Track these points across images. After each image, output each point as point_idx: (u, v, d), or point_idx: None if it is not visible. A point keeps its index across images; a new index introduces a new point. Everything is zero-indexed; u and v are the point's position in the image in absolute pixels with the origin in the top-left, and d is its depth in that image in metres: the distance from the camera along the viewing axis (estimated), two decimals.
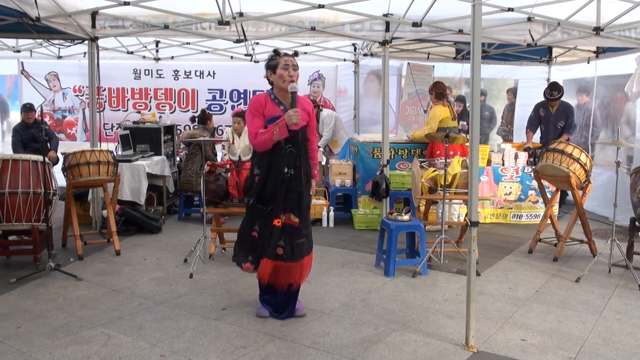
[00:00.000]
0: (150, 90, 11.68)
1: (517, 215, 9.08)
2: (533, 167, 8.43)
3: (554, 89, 9.45)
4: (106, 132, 11.45)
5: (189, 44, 10.43)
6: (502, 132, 12.07)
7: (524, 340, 4.69)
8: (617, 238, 6.44)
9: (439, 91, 8.51)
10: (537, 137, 10.03)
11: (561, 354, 4.44)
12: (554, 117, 9.48)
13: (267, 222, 4.93)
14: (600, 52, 9.88)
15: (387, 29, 7.66)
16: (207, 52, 10.89)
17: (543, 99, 9.64)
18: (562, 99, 9.52)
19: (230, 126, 9.50)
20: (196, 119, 9.89)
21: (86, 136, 11.54)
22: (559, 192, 7.74)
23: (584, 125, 10.42)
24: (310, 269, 5.18)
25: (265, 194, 4.89)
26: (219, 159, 9.48)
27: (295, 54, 4.98)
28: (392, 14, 7.44)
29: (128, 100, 11.70)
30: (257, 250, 5.01)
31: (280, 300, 5.12)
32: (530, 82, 11.41)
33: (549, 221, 7.41)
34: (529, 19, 7.27)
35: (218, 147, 10.06)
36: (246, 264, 5.07)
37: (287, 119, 4.67)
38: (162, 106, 11.57)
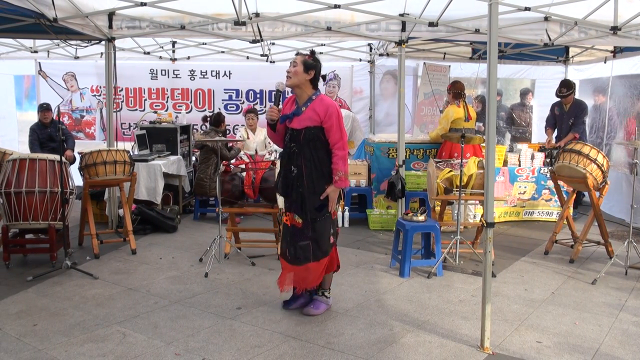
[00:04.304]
0: (167, 90, 11.75)
1: (529, 212, 9.05)
2: (550, 167, 8.38)
3: (563, 86, 9.46)
4: (124, 132, 11.53)
5: (205, 44, 10.48)
6: (516, 132, 11.99)
7: (540, 342, 4.66)
8: (634, 240, 6.39)
9: (456, 91, 8.47)
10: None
11: (577, 357, 4.40)
12: (566, 115, 9.47)
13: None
14: (617, 51, 9.80)
15: (404, 29, 7.64)
16: (223, 52, 10.92)
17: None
18: (579, 98, 9.44)
19: (244, 126, 9.56)
20: (208, 119, 9.92)
21: (104, 135, 11.61)
22: (575, 193, 7.68)
23: (600, 126, 10.35)
24: (320, 278, 5.14)
25: (283, 189, 5.05)
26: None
27: (312, 52, 4.99)
28: (408, 14, 7.42)
29: (145, 100, 11.76)
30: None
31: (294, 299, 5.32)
32: (546, 82, 11.32)
33: (565, 222, 7.36)
34: (546, 19, 7.23)
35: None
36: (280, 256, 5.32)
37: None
38: (178, 106, 11.64)
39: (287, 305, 5.29)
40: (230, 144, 8.99)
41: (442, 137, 7.94)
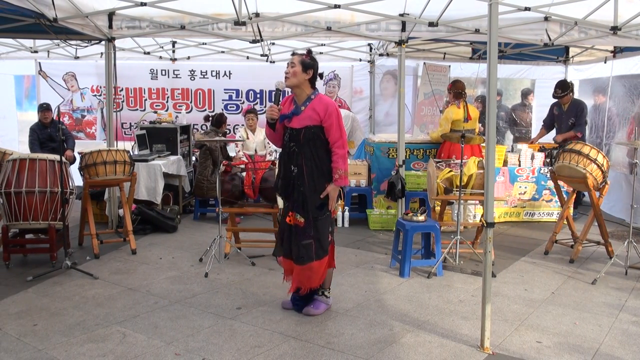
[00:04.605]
0: (167, 90, 11.75)
1: (530, 213, 9.05)
2: (550, 167, 8.38)
3: (558, 87, 9.48)
4: (124, 132, 11.53)
5: (205, 44, 10.48)
6: (518, 133, 12.00)
7: (540, 342, 4.66)
8: (634, 240, 6.39)
9: (457, 90, 8.44)
10: (550, 136, 10.00)
11: (577, 357, 4.40)
12: (565, 115, 9.48)
13: (284, 217, 5.14)
14: (617, 51, 9.80)
15: (404, 29, 7.64)
16: (223, 52, 10.92)
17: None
18: (578, 98, 9.44)
19: (244, 126, 9.57)
20: (210, 119, 9.92)
21: (105, 135, 11.62)
22: (575, 193, 7.68)
23: (600, 126, 10.34)
24: (324, 277, 5.14)
25: (283, 189, 5.07)
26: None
27: (309, 52, 5.01)
28: (408, 14, 7.42)
29: (145, 100, 11.76)
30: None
31: (295, 299, 5.29)
32: (546, 82, 11.31)
33: (565, 222, 7.36)
34: (546, 19, 7.23)
35: (231, 147, 10.11)
36: (280, 256, 5.27)
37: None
38: (179, 106, 11.64)
39: (300, 308, 5.22)
40: (232, 150, 9.01)
41: (442, 137, 7.94)
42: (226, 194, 6.90)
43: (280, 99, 5.06)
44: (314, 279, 5.06)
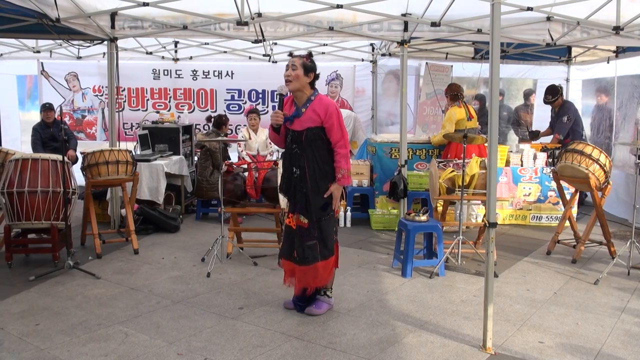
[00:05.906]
0: (169, 90, 11.75)
1: (537, 216, 9.00)
2: (552, 167, 8.37)
3: (548, 92, 9.68)
4: (126, 132, 11.54)
5: (208, 44, 10.49)
6: (522, 134, 11.99)
7: (542, 342, 4.66)
8: (637, 240, 6.38)
9: (453, 93, 8.46)
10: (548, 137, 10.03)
11: (579, 357, 4.40)
12: (556, 117, 9.55)
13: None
14: (620, 51, 9.79)
15: (406, 29, 7.64)
16: (225, 52, 10.94)
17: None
18: (582, 98, 9.47)
19: (246, 126, 9.57)
20: (212, 120, 9.92)
21: (105, 136, 11.64)
22: (578, 193, 7.67)
23: (606, 126, 10.33)
24: (330, 276, 5.16)
25: (286, 190, 5.12)
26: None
27: (309, 54, 5.00)
28: (410, 14, 7.42)
29: (148, 100, 11.77)
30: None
31: (296, 300, 5.29)
32: (549, 82, 11.30)
33: (567, 222, 7.35)
34: (548, 19, 7.22)
35: (232, 146, 10.11)
36: (282, 258, 5.28)
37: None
38: (181, 106, 11.64)
39: (301, 309, 5.22)
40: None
41: (444, 136, 7.93)
42: (228, 194, 6.90)
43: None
44: (319, 279, 5.07)
